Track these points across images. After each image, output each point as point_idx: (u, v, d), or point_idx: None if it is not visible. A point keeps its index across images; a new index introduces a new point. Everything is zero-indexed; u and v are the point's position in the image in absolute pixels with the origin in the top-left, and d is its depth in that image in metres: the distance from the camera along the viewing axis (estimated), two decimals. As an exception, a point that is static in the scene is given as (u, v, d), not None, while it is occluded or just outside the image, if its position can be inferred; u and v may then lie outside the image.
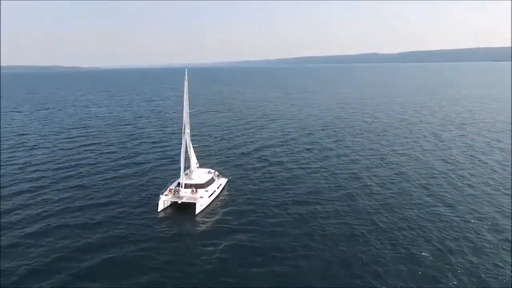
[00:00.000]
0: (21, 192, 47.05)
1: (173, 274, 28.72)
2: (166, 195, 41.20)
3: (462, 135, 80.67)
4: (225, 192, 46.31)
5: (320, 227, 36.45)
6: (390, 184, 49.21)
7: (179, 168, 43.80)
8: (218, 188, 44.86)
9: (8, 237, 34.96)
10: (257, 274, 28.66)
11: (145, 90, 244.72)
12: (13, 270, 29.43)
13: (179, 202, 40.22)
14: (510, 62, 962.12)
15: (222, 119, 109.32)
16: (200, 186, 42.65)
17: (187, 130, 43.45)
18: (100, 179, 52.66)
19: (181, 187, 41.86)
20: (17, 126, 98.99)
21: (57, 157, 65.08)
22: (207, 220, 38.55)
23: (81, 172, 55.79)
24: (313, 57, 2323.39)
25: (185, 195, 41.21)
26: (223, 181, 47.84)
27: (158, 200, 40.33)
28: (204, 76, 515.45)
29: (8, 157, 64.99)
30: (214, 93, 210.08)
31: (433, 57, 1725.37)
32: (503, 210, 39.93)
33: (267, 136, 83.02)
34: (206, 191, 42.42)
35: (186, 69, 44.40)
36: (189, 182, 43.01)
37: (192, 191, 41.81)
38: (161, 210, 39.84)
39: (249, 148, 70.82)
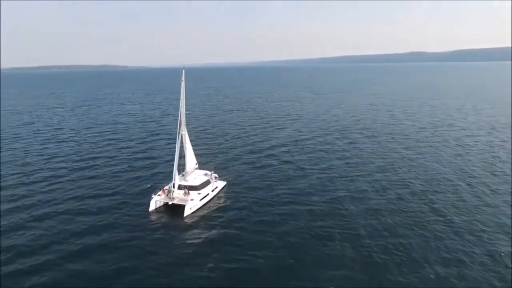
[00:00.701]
0: (40, 181, 52.01)
1: (144, 264, 30.93)
2: (159, 195, 42.11)
3: (490, 141, 75.43)
4: (222, 195, 45.98)
5: (315, 236, 35.28)
6: (388, 191, 47.53)
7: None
8: (213, 191, 44.78)
9: (16, 218, 39.47)
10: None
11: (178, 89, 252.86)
12: (13, 245, 33.82)
13: (170, 203, 41.12)
14: None
15: (242, 118, 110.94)
16: (193, 188, 43.01)
17: (183, 132, 44.29)
18: (111, 171, 56.67)
19: (173, 187, 42.44)
20: (57, 121, 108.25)
21: (81, 150, 70.65)
22: (194, 223, 38.72)
23: (97, 165, 60.26)
24: (361, 56, 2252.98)
25: (178, 196, 41.82)
26: (220, 184, 47.56)
27: (151, 199, 41.37)
28: (244, 76, 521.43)
29: (39, 149, 71.83)
30: (245, 92, 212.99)
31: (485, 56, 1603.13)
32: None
33: (283, 136, 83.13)
34: (199, 193, 42.60)
35: (183, 70, 44.40)
36: (183, 183, 43.58)
37: (185, 192, 42.35)
38: (153, 210, 40.79)
39: (259, 149, 71.48)
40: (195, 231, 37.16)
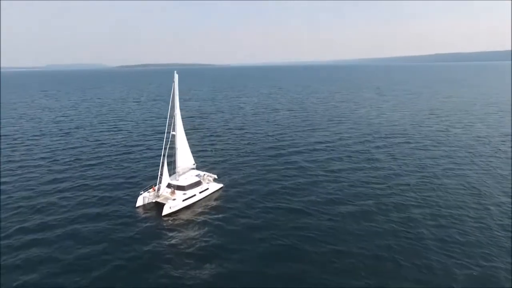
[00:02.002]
0: (63, 172, 56.76)
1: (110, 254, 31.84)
2: (148, 192, 43.08)
3: None
4: (215, 198, 45.17)
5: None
6: (400, 210, 40.63)
7: (173, 167, 45.65)
8: (201, 192, 44.14)
9: (15, 201, 43.88)
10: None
11: (240, 87, 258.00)
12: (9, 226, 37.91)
13: (154, 201, 41.87)
14: None
15: (285, 119, 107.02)
16: (180, 188, 43.04)
17: (173, 132, 44.30)
18: (122, 163, 60.89)
19: (158, 185, 43.38)
20: (129, 114, 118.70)
21: (132, 138, 75.74)
22: (170, 223, 38.60)
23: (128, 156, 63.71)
24: (444, 54, 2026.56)
25: (164, 195, 42.41)
26: (213, 186, 46.70)
27: (139, 196, 42.58)
28: (320, 75, 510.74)
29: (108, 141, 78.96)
30: (306, 93, 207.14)
31: None
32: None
33: (317, 139, 78.23)
34: (184, 193, 42.40)
35: (175, 72, 44.55)
36: (173, 182, 43.95)
37: (172, 192, 42.63)
38: (140, 205, 41.72)
39: (282, 151, 68.28)
40: (165, 231, 36.90)
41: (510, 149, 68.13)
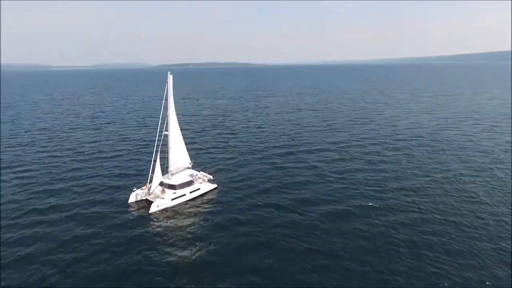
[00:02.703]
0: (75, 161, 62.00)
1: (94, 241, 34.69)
2: (141, 189, 44.75)
3: None
4: (207, 198, 45.52)
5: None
6: (387, 213, 39.69)
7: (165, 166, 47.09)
8: (191, 192, 44.98)
9: (37, 185, 48.65)
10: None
11: (273, 86, 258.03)
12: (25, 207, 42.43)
13: (143, 198, 43.69)
14: None
15: (306, 119, 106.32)
16: (171, 187, 44.31)
17: (166, 132, 45.74)
18: (137, 156, 64.69)
19: (149, 183, 44.67)
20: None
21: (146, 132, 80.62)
22: (154, 220, 39.73)
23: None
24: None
25: (155, 193, 43.84)
26: (206, 186, 47.14)
27: (131, 192, 44.63)
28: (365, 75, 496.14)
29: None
30: (337, 92, 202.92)
31: None
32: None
33: (332, 140, 77.44)
34: (174, 193, 43.57)
35: (169, 73, 45.73)
36: (165, 181, 45.33)
37: (162, 190, 44.09)
38: (132, 202, 43.60)
39: (292, 151, 68.64)
40: (148, 228, 38.26)
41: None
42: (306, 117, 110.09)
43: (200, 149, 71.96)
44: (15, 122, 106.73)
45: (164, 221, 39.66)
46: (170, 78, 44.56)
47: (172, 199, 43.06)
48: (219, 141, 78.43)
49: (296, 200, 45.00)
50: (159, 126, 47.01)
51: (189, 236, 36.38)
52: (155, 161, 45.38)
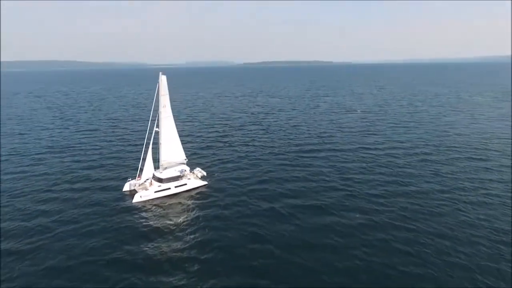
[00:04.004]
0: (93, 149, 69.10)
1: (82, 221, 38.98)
2: (135, 179, 47.93)
3: None
4: (193, 194, 46.59)
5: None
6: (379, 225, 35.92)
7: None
8: (177, 187, 46.71)
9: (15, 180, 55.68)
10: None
11: (336, 86, 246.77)
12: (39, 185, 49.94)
13: (133, 188, 46.88)
14: None
15: (349, 120, 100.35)
16: (158, 180, 46.71)
17: (157, 129, 47.98)
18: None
19: (138, 176, 47.84)
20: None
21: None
22: (135, 209, 42.41)
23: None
24: None
25: (144, 184, 46.47)
26: (193, 182, 48.25)
27: (126, 181, 48.27)
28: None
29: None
30: (404, 94, 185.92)
31: None
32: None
33: (361, 144, 72.29)
34: (159, 186, 45.90)
35: (160, 73, 47.08)
36: (156, 174, 47.81)
37: (150, 182, 46.72)
38: (126, 190, 47.09)
39: (311, 152, 66.47)
40: (128, 216, 41.02)
41: None
42: (351, 118, 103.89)
43: (225, 144, 75.22)
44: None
45: (143, 210, 42.31)
46: (162, 78, 46.71)
47: (156, 191, 45.54)
48: (245, 138, 79.75)
49: (284, 202, 43.97)
50: (149, 123, 49.97)
51: (160, 226, 38.38)
52: (146, 154, 48.37)
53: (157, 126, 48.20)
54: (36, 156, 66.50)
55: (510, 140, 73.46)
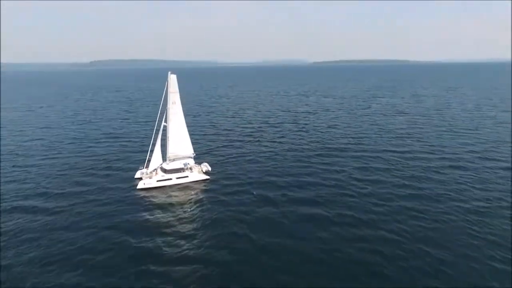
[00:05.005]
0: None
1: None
2: (146, 168, 52.03)
3: None
4: (193, 187, 48.94)
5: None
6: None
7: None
8: (178, 178, 49.75)
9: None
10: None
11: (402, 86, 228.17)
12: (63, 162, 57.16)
13: (140, 176, 50.99)
14: None
15: (394, 123, 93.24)
16: (162, 170, 50.50)
17: (165, 123, 51.04)
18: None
19: (145, 167, 51.93)
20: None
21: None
22: (137, 195, 46.29)
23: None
24: None
25: (151, 173, 50.59)
26: (194, 176, 50.70)
27: (138, 169, 52.82)
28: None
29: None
30: (476, 98, 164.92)
31: None
32: None
33: (395, 147, 67.03)
34: (162, 175, 49.47)
35: (169, 73, 50.01)
36: (163, 165, 51.55)
37: (156, 172, 50.65)
38: (138, 177, 51.40)
39: (334, 153, 64.50)
40: (136, 196, 46.06)
41: None
42: (398, 121, 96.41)
43: (252, 139, 77.49)
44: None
45: (145, 198, 45.91)
46: (171, 77, 49.88)
47: (158, 181, 49.09)
48: (274, 136, 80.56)
49: (288, 200, 43.97)
50: (157, 118, 53.69)
51: (151, 207, 42.54)
52: (153, 146, 51.99)
53: (165, 121, 51.41)
54: (94, 140, 78.44)
55: None
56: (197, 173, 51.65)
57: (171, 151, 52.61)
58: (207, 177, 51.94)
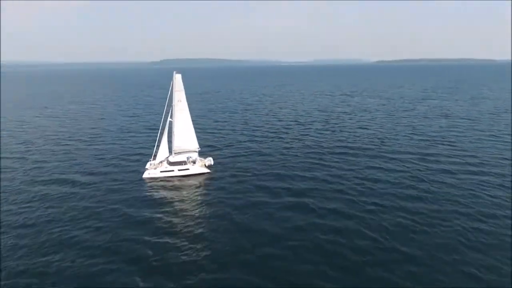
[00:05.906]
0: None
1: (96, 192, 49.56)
2: (154, 160, 55.53)
3: None
4: (193, 180, 51.34)
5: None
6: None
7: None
8: (180, 170, 52.70)
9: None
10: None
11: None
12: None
13: (148, 166, 54.47)
14: None
15: (426, 125, 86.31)
16: (168, 162, 53.89)
17: (170, 119, 54.14)
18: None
19: (152, 159, 55.45)
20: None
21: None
22: (142, 185, 49.68)
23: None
24: None
25: (156, 164, 54.23)
26: (195, 169, 53.21)
27: (148, 161, 56.24)
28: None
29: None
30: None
31: None
32: None
33: (415, 150, 62.54)
34: (166, 167, 52.94)
35: (174, 72, 52.82)
36: (168, 157, 55.01)
37: (161, 163, 54.14)
38: (146, 168, 54.69)
39: (351, 152, 62.36)
40: (142, 185, 50.06)
41: None
42: (438, 125, 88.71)
43: (273, 136, 78.61)
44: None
45: (150, 186, 49.81)
46: (176, 77, 53.06)
47: (161, 171, 52.82)
48: (297, 134, 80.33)
49: (281, 201, 43.37)
50: (163, 114, 57.07)
51: (153, 195, 46.50)
52: (160, 141, 55.43)
53: (171, 117, 54.84)
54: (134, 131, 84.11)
55: None
56: (198, 167, 54.30)
57: (176, 145, 55.91)
58: (208, 170, 54.32)
